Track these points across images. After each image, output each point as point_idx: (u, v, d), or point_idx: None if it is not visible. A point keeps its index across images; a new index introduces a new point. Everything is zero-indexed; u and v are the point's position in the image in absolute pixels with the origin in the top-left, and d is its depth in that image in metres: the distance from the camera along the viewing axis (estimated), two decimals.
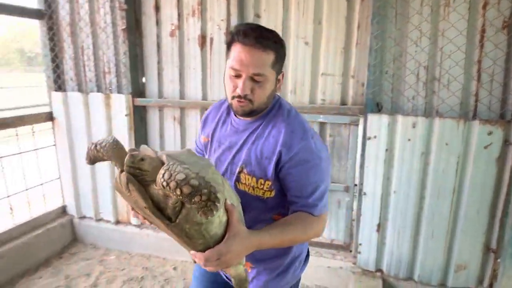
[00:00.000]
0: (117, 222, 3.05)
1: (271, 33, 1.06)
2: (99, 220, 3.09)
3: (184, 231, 0.85)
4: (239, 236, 0.91)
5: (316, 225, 1.07)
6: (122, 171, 0.86)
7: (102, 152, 0.91)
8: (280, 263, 1.22)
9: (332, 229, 2.65)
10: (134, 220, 3.00)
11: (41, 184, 2.97)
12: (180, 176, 0.75)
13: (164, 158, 0.84)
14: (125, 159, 0.82)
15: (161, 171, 0.78)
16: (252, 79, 1.03)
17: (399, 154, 2.19)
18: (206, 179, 0.77)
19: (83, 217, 3.14)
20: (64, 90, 2.97)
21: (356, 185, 2.51)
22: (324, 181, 1.09)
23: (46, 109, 3.02)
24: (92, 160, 0.95)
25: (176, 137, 2.90)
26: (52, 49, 2.91)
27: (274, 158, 1.06)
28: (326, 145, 1.18)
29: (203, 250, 0.90)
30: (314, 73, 2.48)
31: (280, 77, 1.12)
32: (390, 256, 2.35)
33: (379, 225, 2.33)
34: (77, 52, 2.89)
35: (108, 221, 3.06)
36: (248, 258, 1.15)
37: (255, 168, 1.10)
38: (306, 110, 2.42)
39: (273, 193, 1.11)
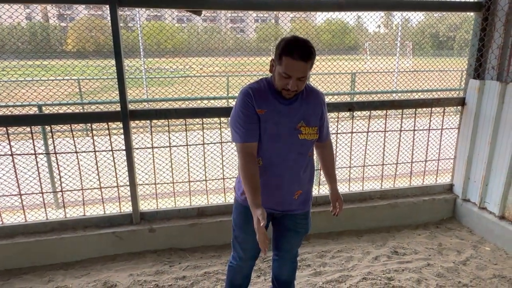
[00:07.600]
0: (502, 217, 2.88)
1: (310, 48, 1.48)
2: (482, 208, 3.05)
3: None
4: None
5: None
6: None
7: None
8: (311, 182, 1.81)
9: None
10: None
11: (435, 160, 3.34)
12: None
13: None
14: None
15: None
16: (297, 79, 1.50)
17: None
18: None
19: (466, 200, 3.21)
20: (483, 79, 3.00)
21: None
22: None
23: (457, 94, 3.24)
24: None
25: None
26: (481, 39, 2.96)
27: (321, 111, 1.69)
28: None
29: None
30: None
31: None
32: None
33: None
34: (507, 41, 2.82)
35: (491, 212, 2.97)
36: (297, 187, 1.73)
37: (310, 120, 1.65)
38: None
39: (317, 135, 1.69)
